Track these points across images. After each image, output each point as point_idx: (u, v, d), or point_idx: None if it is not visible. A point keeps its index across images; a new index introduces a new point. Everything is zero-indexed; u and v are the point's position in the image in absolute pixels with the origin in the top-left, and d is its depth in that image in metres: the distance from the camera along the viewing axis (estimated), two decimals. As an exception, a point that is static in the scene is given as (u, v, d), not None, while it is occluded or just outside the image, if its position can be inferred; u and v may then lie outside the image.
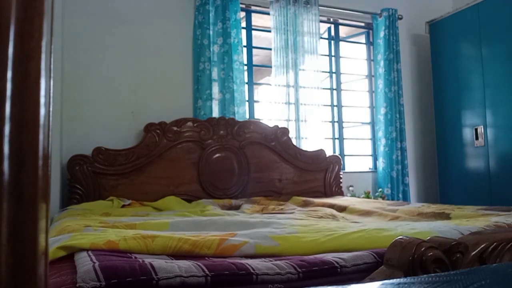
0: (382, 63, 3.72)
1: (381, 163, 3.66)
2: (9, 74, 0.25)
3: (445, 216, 1.84)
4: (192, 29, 3.15)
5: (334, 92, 3.78)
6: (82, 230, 1.37)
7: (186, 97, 3.11)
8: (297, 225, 1.49)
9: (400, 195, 3.61)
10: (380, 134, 3.70)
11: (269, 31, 3.40)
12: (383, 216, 2.00)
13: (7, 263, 0.24)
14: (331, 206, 2.40)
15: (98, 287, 0.81)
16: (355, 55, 4.06)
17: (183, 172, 2.85)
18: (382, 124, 3.69)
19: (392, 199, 3.49)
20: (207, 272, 0.90)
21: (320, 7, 3.51)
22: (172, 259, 1.04)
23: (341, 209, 2.33)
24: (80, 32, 2.85)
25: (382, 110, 3.69)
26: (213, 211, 2.25)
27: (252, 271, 0.94)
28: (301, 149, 3.25)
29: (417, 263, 0.94)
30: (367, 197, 3.33)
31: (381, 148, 3.68)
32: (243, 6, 3.40)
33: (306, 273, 0.98)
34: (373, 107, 3.88)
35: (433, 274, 0.41)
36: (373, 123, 3.88)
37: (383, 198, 3.36)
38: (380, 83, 3.73)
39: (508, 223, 1.41)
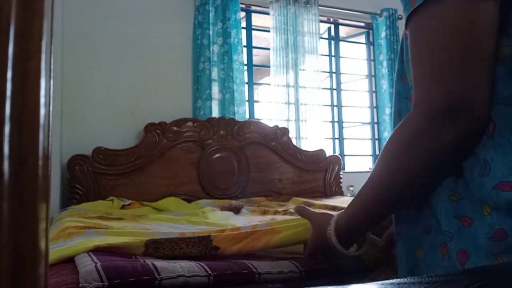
0: (384, 63, 3.72)
1: (381, 163, 3.66)
2: (9, 74, 0.25)
3: None
4: (192, 29, 3.15)
5: (334, 92, 3.78)
6: (83, 233, 1.36)
7: (186, 97, 3.11)
8: None
9: (400, 195, 3.61)
10: (386, 134, 3.69)
11: (269, 31, 3.39)
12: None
13: (7, 263, 0.24)
14: (333, 208, 2.38)
15: (101, 287, 0.81)
16: (355, 55, 4.06)
17: (183, 172, 2.85)
18: (388, 124, 3.69)
19: (392, 199, 3.48)
20: (210, 272, 0.90)
21: (320, 7, 3.51)
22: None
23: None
24: (80, 32, 2.85)
25: (387, 110, 3.69)
26: (212, 213, 2.24)
27: (254, 270, 0.94)
28: (301, 149, 3.24)
29: (417, 263, 0.93)
30: (367, 197, 3.33)
31: (384, 148, 3.68)
32: (243, 6, 3.39)
33: (308, 271, 0.98)
34: (373, 107, 3.88)
35: (433, 274, 0.41)
36: (373, 123, 3.87)
37: (383, 198, 3.36)
38: (384, 83, 3.73)
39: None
